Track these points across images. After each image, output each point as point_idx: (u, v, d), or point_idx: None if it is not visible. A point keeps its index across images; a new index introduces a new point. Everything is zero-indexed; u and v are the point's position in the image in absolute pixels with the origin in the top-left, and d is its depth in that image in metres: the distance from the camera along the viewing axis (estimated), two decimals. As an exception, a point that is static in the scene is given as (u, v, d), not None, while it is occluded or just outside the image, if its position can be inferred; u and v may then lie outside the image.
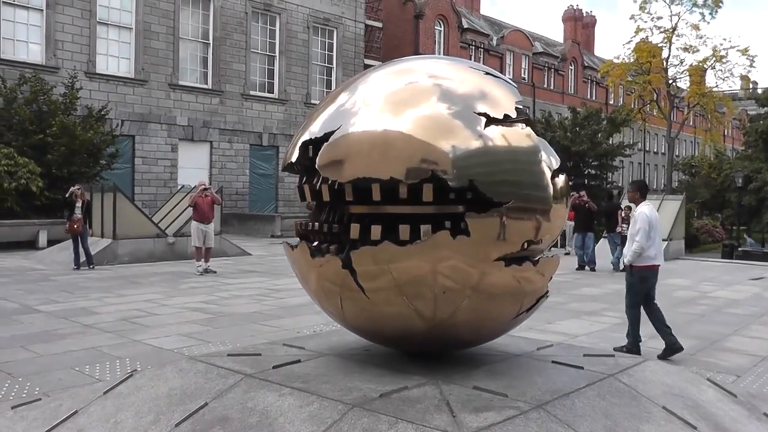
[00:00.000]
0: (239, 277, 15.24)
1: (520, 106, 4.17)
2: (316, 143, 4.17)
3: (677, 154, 65.33)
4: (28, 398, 5.60)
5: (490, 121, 3.97)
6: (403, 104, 4.07)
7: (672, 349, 8.30)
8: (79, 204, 16.10)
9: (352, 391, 3.96)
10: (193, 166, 28.91)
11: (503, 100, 4.11)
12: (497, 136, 3.97)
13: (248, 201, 31.37)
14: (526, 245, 4.05)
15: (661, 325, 8.47)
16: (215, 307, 11.22)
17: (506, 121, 4.01)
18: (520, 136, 4.06)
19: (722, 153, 57.17)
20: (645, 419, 3.96)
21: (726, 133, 71.14)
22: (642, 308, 8.55)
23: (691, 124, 62.42)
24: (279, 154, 31.79)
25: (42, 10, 25.02)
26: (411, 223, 3.91)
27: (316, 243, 4.46)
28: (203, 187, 16.36)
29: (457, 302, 4.02)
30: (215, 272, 15.63)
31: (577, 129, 41.24)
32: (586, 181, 38.66)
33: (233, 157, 30.92)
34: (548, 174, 4.11)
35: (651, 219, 8.35)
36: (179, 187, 24.37)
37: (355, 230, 4.04)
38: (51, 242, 19.70)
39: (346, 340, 5.26)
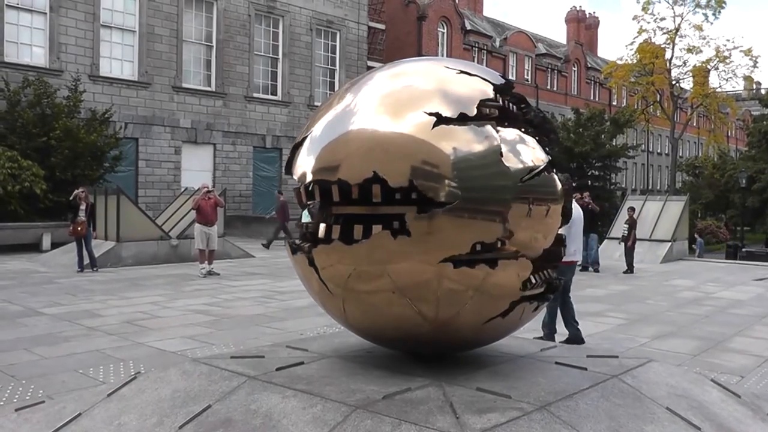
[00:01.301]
0: (243, 280, 15.26)
1: (492, 104, 4.08)
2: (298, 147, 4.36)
3: (681, 155, 65.27)
4: (32, 401, 5.60)
5: (442, 120, 3.91)
6: (363, 107, 4.14)
7: (575, 340, 8.82)
8: (83, 207, 16.13)
9: (356, 393, 3.96)
10: (197, 169, 28.92)
11: (465, 99, 4.02)
12: (447, 136, 3.90)
13: (251, 203, 31.38)
14: (479, 247, 3.91)
15: (570, 319, 9.09)
16: (219, 310, 11.24)
17: (461, 120, 3.93)
18: (475, 134, 3.96)
19: (726, 154, 57.17)
20: (649, 420, 3.95)
21: (729, 133, 71.10)
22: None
23: (694, 124, 62.30)
24: (282, 157, 31.81)
25: (45, 13, 25.07)
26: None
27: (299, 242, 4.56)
28: (206, 189, 16.40)
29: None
30: (219, 274, 15.65)
31: (581, 130, 41.29)
32: (589, 182, 38.67)
33: (236, 160, 30.94)
34: (513, 173, 3.98)
35: (573, 215, 8.61)
36: (183, 189, 24.39)
37: (322, 229, 4.18)
38: (55, 245, 19.72)
39: (349, 342, 5.25)
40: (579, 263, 9.30)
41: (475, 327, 4.22)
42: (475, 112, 3.97)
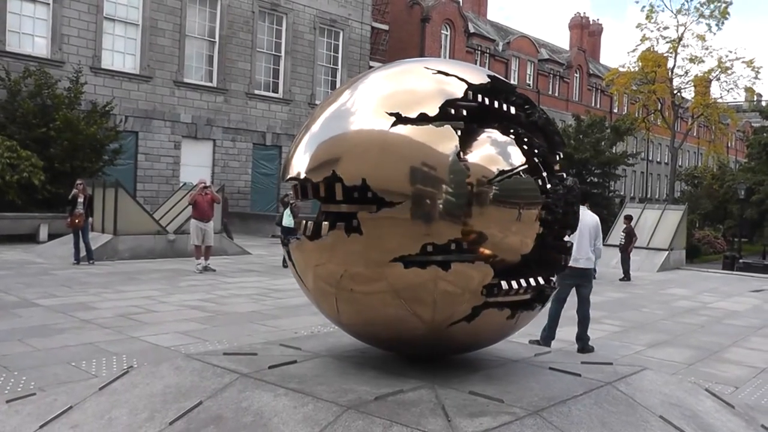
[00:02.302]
0: (238, 276, 15.24)
1: (464, 104, 4.00)
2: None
3: (680, 164, 65.31)
4: (23, 392, 5.57)
5: (401, 120, 3.90)
6: (329, 108, 4.26)
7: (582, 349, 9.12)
8: (81, 199, 16.11)
9: (348, 393, 3.93)
10: (196, 164, 28.92)
11: (430, 99, 3.98)
12: (401, 135, 3.89)
13: (250, 200, 31.36)
14: (430, 248, 3.83)
15: (581, 321, 9.31)
16: (213, 306, 11.21)
17: (420, 120, 3.89)
18: (432, 134, 3.90)
19: (725, 164, 57.26)
20: (642, 428, 3.93)
21: (729, 144, 71.13)
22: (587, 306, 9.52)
23: (694, 134, 62.31)
24: (282, 154, 31.80)
25: (48, 4, 25.05)
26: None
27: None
28: (203, 185, 16.38)
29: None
30: (215, 270, 15.62)
31: (581, 137, 41.34)
32: (588, 189, 38.67)
33: (236, 156, 30.93)
34: (475, 174, 3.88)
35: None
36: (181, 184, 24.37)
37: (302, 226, 4.26)
38: (52, 236, 19.70)
39: (343, 342, 5.23)
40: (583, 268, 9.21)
41: (440, 330, 4.12)
42: (436, 111, 3.92)
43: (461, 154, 3.86)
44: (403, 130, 3.90)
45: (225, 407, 3.96)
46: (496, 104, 4.24)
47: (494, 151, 4.11)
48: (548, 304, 4.60)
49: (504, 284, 4.07)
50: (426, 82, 4.16)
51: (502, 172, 4.01)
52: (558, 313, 9.12)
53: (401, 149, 3.88)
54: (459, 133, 3.92)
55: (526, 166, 4.15)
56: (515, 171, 4.09)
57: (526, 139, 4.27)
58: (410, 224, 3.82)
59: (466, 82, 4.11)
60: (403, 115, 3.90)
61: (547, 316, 9.03)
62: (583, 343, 9.24)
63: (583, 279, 9.21)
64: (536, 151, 4.29)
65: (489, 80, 4.21)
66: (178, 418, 3.94)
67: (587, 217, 9.05)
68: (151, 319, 9.92)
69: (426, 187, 3.83)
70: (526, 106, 4.43)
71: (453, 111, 3.98)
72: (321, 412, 3.70)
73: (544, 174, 4.28)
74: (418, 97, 4.03)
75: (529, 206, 4.16)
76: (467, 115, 4.06)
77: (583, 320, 9.28)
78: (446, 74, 4.16)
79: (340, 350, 5.06)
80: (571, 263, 8.82)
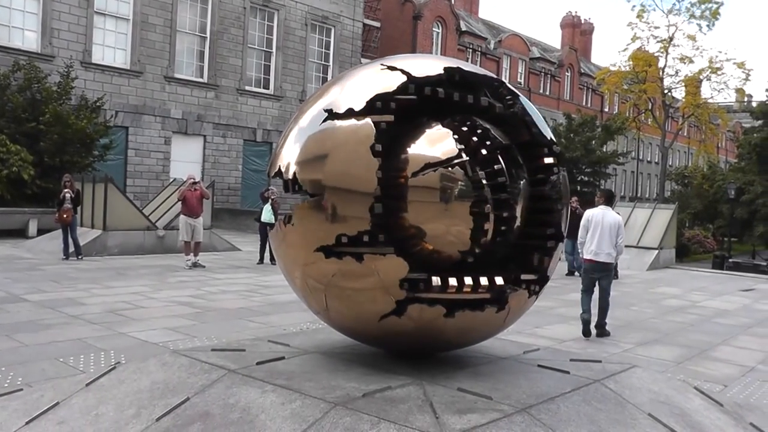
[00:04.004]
0: (228, 273, 15.19)
1: (401, 98, 3.99)
2: None
3: (670, 164, 65.52)
4: (10, 388, 5.54)
5: (333, 116, 4.02)
6: (304, 107, 4.51)
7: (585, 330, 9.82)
8: (68, 194, 16.00)
9: (335, 390, 3.92)
10: (186, 160, 28.78)
11: (359, 93, 4.03)
12: (329, 131, 4.05)
13: (240, 196, 31.28)
14: (344, 239, 3.86)
15: (600, 310, 9.93)
16: (203, 302, 11.17)
17: (350, 114, 3.97)
18: (354, 129, 3.93)
19: (715, 164, 57.45)
20: (630, 426, 3.93)
21: (720, 144, 71.39)
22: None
23: (685, 134, 62.49)
24: (272, 151, 31.68)
25: (39, -2, 24.89)
26: None
27: None
28: (192, 180, 16.30)
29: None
30: (204, 267, 15.57)
31: (572, 135, 41.44)
32: (578, 187, 38.78)
33: (226, 152, 30.83)
34: (395, 167, 3.89)
35: (585, 219, 9.91)
36: (171, 180, 24.26)
37: (283, 220, 4.42)
38: (41, 231, 19.60)
39: (332, 339, 5.22)
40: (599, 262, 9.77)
41: (371, 323, 4.15)
42: (362, 106, 3.96)
43: (376, 146, 3.85)
44: (332, 125, 4.03)
45: (212, 403, 3.94)
46: (456, 96, 4.21)
47: (425, 144, 4.06)
48: (530, 306, 4.56)
49: (436, 280, 3.99)
50: (374, 78, 4.21)
51: (427, 165, 3.96)
52: (585, 302, 9.80)
53: (325, 144, 4.06)
54: (383, 126, 3.92)
55: (466, 158, 4.02)
56: (446, 164, 3.99)
57: (479, 131, 4.16)
58: (327, 216, 3.98)
59: (410, 75, 4.09)
60: (333, 111, 4.04)
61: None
62: (601, 329, 9.85)
63: (603, 272, 9.86)
64: (488, 143, 4.13)
65: (443, 72, 4.18)
66: (164, 415, 3.92)
67: (609, 217, 9.71)
68: (140, 315, 9.87)
69: (340, 180, 3.95)
70: (508, 97, 4.40)
71: (380, 105, 3.99)
72: (308, 408, 3.68)
73: (497, 167, 4.09)
74: (356, 93, 4.10)
75: (459, 200, 4.04)
76: (415, 108, 4.13)
77: (602, 310, 9.88)
78: (393, 69, 4.17)
79: (329, 347, 5.05)
80: (592, 257, 9.63)
